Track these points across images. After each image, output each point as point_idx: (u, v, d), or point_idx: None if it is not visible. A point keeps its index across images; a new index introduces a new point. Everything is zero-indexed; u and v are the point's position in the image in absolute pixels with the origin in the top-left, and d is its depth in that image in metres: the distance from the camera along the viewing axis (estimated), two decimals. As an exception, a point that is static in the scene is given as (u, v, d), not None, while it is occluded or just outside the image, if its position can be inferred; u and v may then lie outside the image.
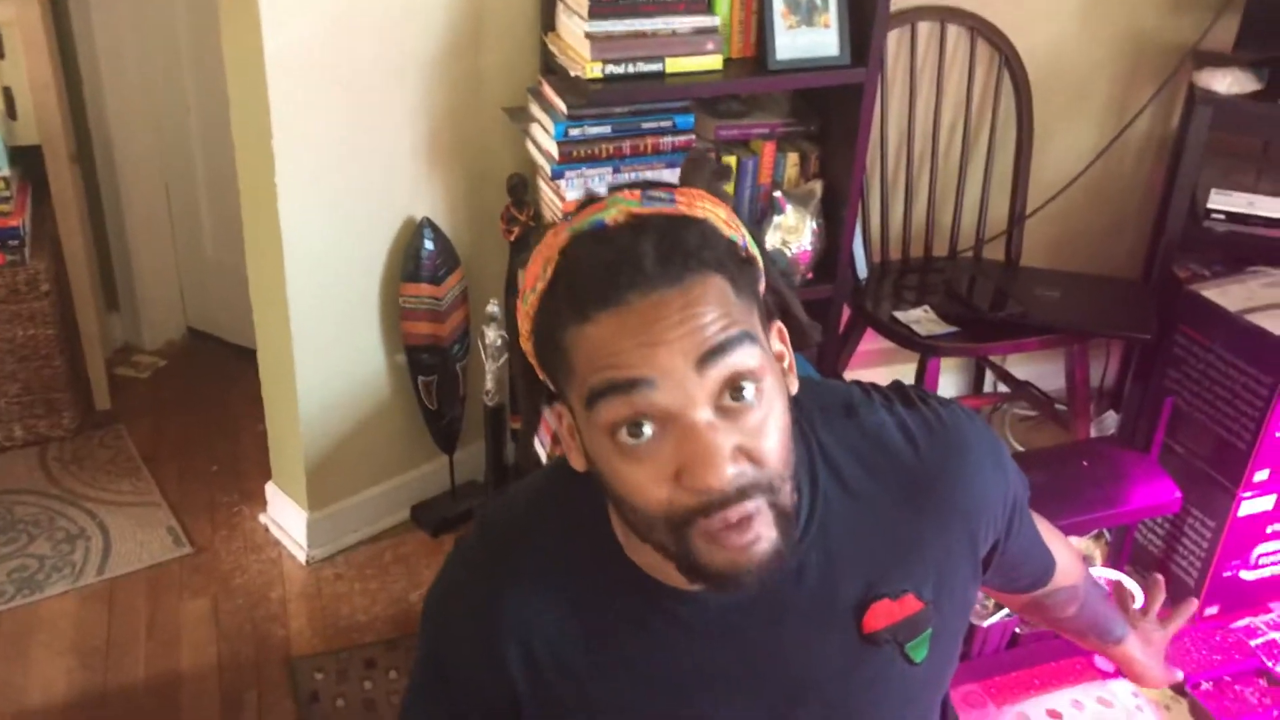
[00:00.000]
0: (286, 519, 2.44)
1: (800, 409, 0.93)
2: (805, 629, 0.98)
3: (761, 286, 0.89)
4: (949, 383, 2.96)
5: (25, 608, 2.24)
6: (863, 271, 2.50)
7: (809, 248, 2.32)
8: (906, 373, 2.60)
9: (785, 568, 0.89)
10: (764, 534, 0.84)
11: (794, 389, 0.90)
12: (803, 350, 0.97)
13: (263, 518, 2.50)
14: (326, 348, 2.27)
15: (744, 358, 0.82)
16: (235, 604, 2.27)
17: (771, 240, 2.30)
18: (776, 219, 2.28)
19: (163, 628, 2.20)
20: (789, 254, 2.30)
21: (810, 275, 2.36)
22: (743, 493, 0.82)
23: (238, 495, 2.59)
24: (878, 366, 2.78)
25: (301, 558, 2.39)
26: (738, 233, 0.88)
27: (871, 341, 2.65)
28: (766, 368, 0.84)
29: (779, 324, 0.91)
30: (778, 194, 2.27)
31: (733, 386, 0.82)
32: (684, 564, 0.86)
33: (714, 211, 0.87)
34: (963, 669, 2.10)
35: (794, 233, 2.30)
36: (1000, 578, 1.15)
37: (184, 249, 3.14)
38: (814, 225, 2.31)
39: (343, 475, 2.39)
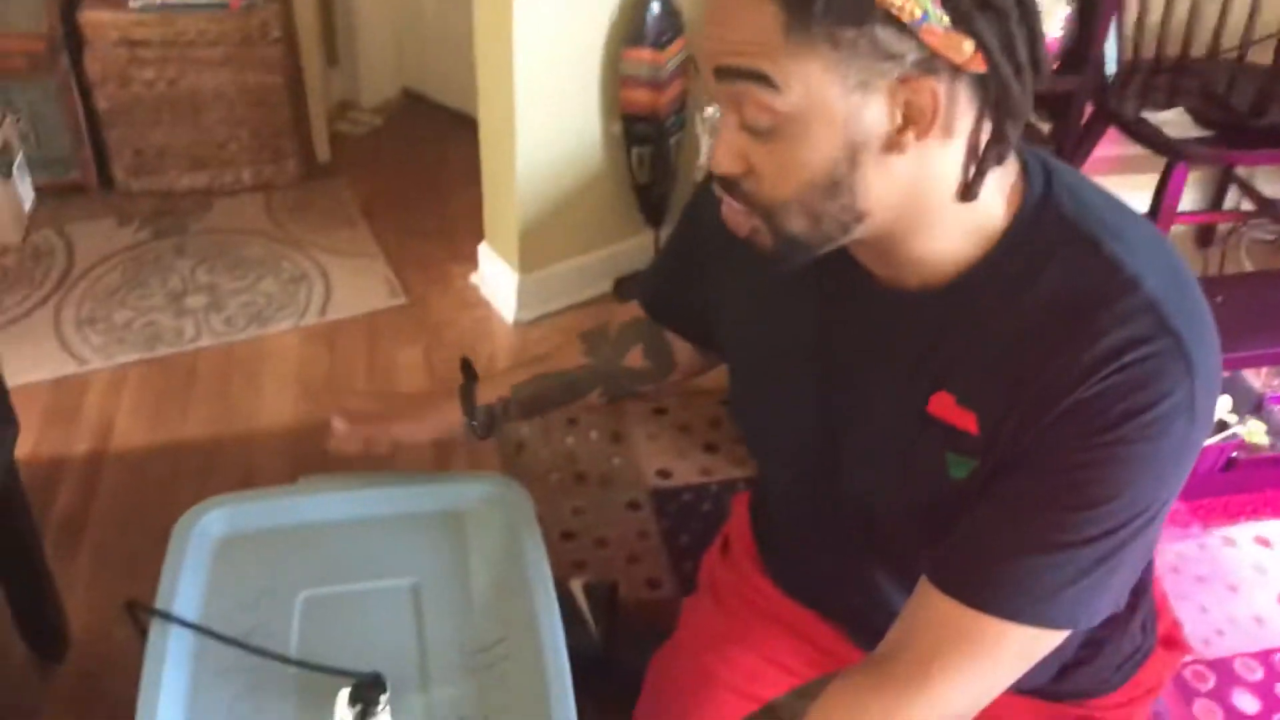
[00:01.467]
0: (497, 280, 2.50)
1: (1054, 209, 0.90)
2: (887, 359, 0.99)
3: (879, 32, 0.80)
4: (1187, 197, 2.77)
5: (255, 340, 2.38)
6: (1112, 67, 2.33)
7: (1057, 35, 2.16)
8: (1146, 185, 2.44)
9: (909, 297, 0.94)
10: (760, 234, 0.91)
11: (896, 161, 0.85)
12: (1008, 128, 0.85)
13: (473, 278, 2.57)
14: (547, 112, 2.26)
15: (748, 97, 0.83)
16: (447, 355, 2.36)
17: (1018, 24, 2.15)
18: None
19: (380, 370, 2.31)
20: (1036, 41, 2.16)
21: (1056, 66, 2.21)
22: (730, 189, 0.90)
23: (450, 255, 2.66)
24: (1114, 175, 2.62)
25: (509, 318, 2.45)
26: None
27: (1109, 147, 2.49)
28: (792, 115, 0.83)
29: (935, 84, 0.81)
30: (1034, -28, 2.11)
31: (738, 109, 0.85)
32: None
33: None
34: (1171, 488, 2.04)
35: (1044, 19, 2.14)
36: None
37: (404, 8, 3.16)
38: (1067, 11, 2.15)
39: (553, 242, 2.42)
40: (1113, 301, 0.87)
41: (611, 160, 2.40)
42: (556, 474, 2.07)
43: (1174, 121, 2.20)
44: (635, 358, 1.30)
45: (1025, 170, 0.93)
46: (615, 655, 1.61)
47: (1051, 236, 0.90)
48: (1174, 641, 1.30)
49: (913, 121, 0.83)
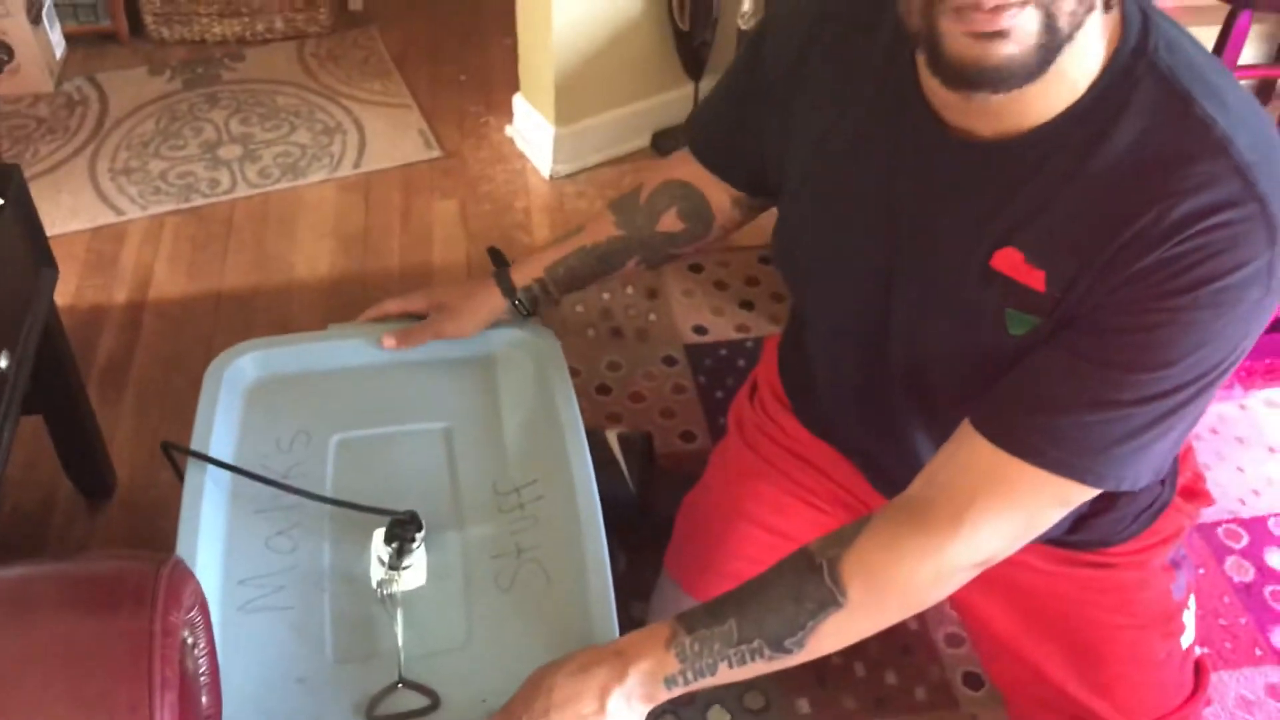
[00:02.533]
0: (532, 132, 2.46)
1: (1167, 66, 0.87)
2: (952, 211, 0.97)
3: None
4: (1251, 51, 2.65)
5: (290, 191, 2.36)
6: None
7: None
8: (1208, 38, 2.33)
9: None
10: (1017, 31, 0.81)
11: None
12: None
13: (509, 130, 2.53)
14: (583, -45, 2.19)
15: None
16: (482, 209, 2.34)
17: None
18: None
19: (415, 222, 2.30)
20: None
21: None
22: None
23: (485, 106, 2.61)
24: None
25: (545, 171, 2.42)
26: None
27: (1171, -4, 2.38)
28: None
29: None
30: None
31: None
32: (929, 47, 0.85)
33: None
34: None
35: None
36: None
37: None
38: None
39: (590, 94, 2.36)
40: (1201, 161, 0.85)
41: (652, 7, 2.32)
42: (592, 329, 2.07)
43: (1241, -33, 2.09)
44: (670, 221, 1.28)
45: (1124, 19, 0.89)
46: (650, 504, 1.63)
47: (1143, 89, 0.88)
48: (1195, 492, 1.30)
49: None
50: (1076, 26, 0.84)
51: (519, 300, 1.31)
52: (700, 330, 2.07)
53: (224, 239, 2.24)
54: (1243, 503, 1.82)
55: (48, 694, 0.68)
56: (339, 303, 2.08)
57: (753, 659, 0.99)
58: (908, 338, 1.07)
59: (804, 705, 1.52)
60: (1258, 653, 1.61)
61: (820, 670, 1.55)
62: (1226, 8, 2.14)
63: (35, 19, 2.53)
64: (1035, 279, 0.94)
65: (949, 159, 0.96)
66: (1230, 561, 1.73)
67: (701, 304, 2.12)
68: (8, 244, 1.28)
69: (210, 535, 1.14)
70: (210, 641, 0.84)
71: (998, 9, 0.80)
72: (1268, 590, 1.69)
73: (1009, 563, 1.03)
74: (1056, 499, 0.96)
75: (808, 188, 1.10)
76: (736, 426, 1.46)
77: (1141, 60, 0.88)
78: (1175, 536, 1.27)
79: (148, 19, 2.75)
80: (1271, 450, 1.90)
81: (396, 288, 2.15)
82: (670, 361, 2.01)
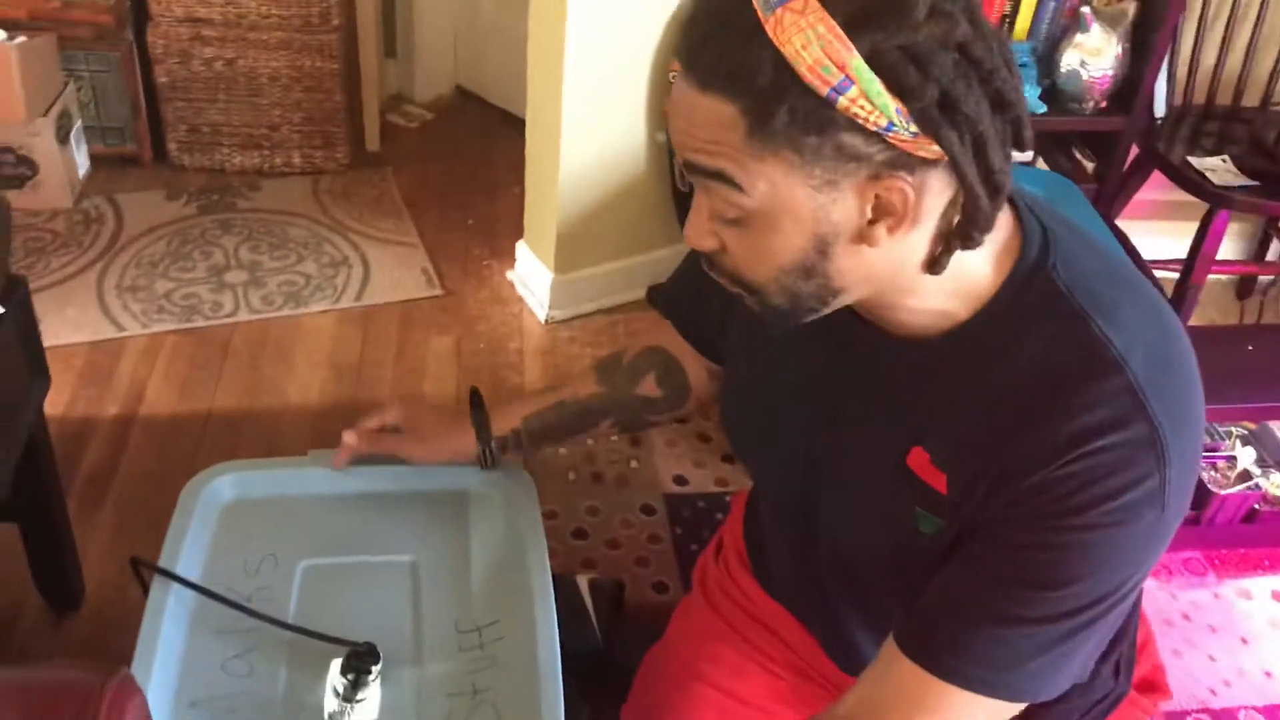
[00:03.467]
0: (532, 278, 2.52)
1: (1054, 274, 0.88)
2: (872, 405, 0.99)
3: (844, 138, 0.78)
4: (1229, 247, 2.74)
5: (291, 318, 2.42)
6: (1160, 110, 2.32)
7: (1109, 73, 2.16)
8: (1186, 231, 2.41)
9: (894, 349, 0.94)
10: (745, 300, 0.91)
11: (867, 249, 0.84)
12: (974, 231, 0.84)
13: (510, 274, 2.60)
14: (594, 116, 2.28)
15: (715, 190, 0.84)
16: (477, 347, 2.38)
17: (1068, 60, 2.15)
18: (1079, 36, 2.13)
19: (410, 356, 2.34)
20: (1084, 76, 2.15)
21: (1104, 104, 2.20)
22: (712, 267, 0.91)
23: (489, 250, 2.69)
24: (1156, 220, 2.61)
25: (541, 316, 2.48)
26: (825, 78, 0.75)
27: (1153, 191, 2.48)
28: (758, 210, 0.83)
29: (903, 182, 0.80)
30: (1085, 9, 2.12)
31: (707, 195, 0.86)
32: None
33: (808, 44, 0.75)
34: (1188, 535, 2.03)
35: (1095, 55, 2.14)
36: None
37: (462, 7, 3.20)
38: (1118, 50, 2.14)
39: (590, 245, 2.44)
40: (1093, 381, 0.85)
41: (654, 167, 2.42)
42: (574, 472, 2.09)
43: (1218, 168, 2.19)
44: (649, 386, 1.30)
45: (1023, 230, 0.90)
46: (616, 654, 1.62)
47: (1040, 307, 0.88)
48: (1153, 685, 1.28)
49: (883, 216, 0.82)
50: (821, 302, 0.89)
51: (490, 449, 1.30)
52: (681, 481, 2.09)
53: (220, 361, 2.28)
54: (1213, 693, 1.80)
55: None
56: (327, 429, 2.10)
57: None
58: (833, 524, 1.08)
59: None
60: None
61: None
62: (1205, 206, 2.23)
63: (63, 139, 2.63)
64: (939, 481, 0.94)
65: (869, 354, 0.97)
66: (1199, 753, 1.71)
67: (684, 455, 2.15)
68: (3, 352, 1.31)
69: (168, 653, 1.14)
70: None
71: (722, 280, 0.91)
72: (1236, 784, 1.67)
73: None
74: (986, 715, 0.93)
75: (743, 359, 1.13)
76: (700, 583, 1.46)
77: (1039, 276, 0.89)
78: None
79: (171, 145, 2.85)
80: (1244, 641, 1.90)
81: (385, 420, 2.17)
82: (649, 510, 2.02)
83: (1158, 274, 2.21)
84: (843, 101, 0.76)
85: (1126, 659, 1.22)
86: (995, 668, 0.91)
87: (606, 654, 1.62)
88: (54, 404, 2.08)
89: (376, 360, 2.32)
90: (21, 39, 2.48)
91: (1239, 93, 2.42)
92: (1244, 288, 2.74)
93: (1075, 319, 0.87)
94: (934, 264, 0.86)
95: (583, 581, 1.73)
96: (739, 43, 0.77)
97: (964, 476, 0.91)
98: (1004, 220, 0.90)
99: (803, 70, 0.76)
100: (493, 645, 1.20)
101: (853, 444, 1.02)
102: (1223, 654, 1.87)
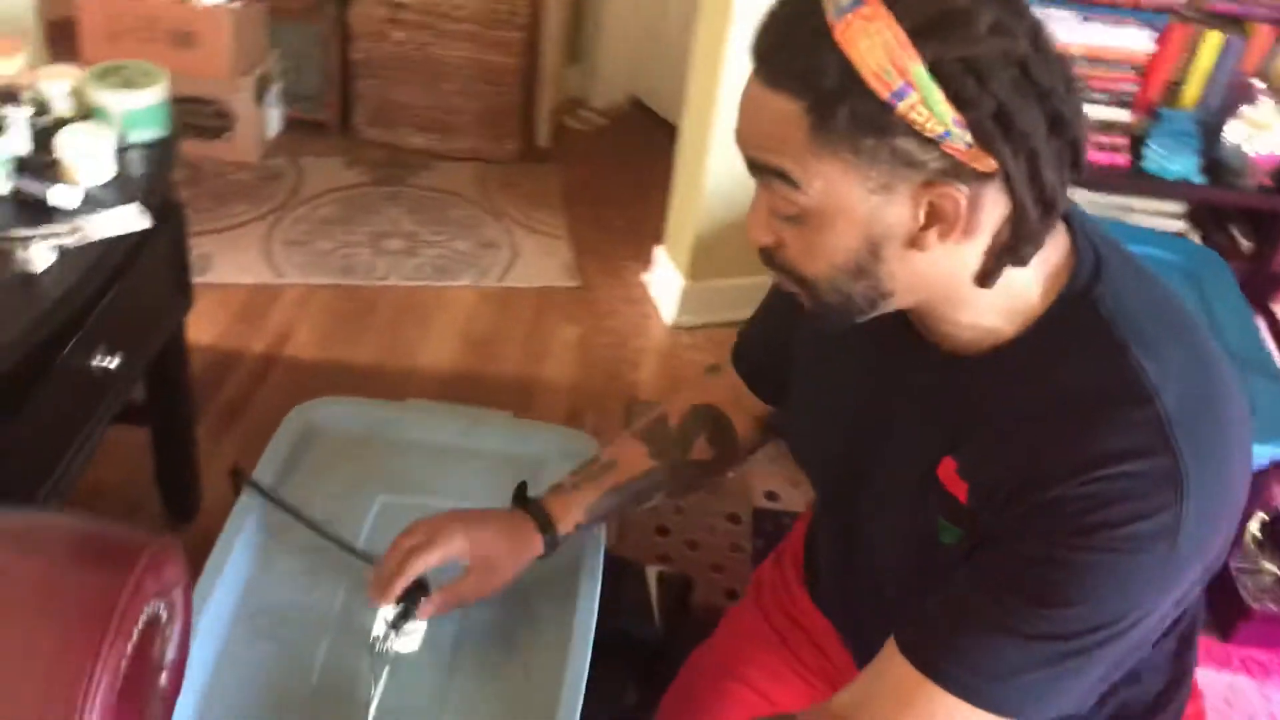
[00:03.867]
0: (665, 283, 2.59)
1: (1104, 301, 0.89)
2: (914, 414, 1.01)
3: (900, 142, 0.80)
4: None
5: (436, 289, 2.55)
6: (1332, 196, 2.23)
7: (1276, 151, 2.09)
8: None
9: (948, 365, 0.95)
10: (801, 296, 0.94)
11: (918, 254, 0.86)
12: (1023, 246, 0.86)
13: (645, 276, 2.68)
14: (744, 131, 2.33)
15: (774, 187, 0.86)
16: (602, 340, 2.47)
17: (1233, 133, 2.09)
18: (1246, 109, 2.07)
19: (538, 339, 2.44)
20: (1248, 152, 2.09)
21: (1269, 182, 2.13)
22: (770, 262, 0.93)
23: (631, 252, 2.77)
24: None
25: (668, 320, 2.55)
26: (887, 82, 0.79)
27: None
28: (814, 208, 0.85)
29: (956, 191, 0.82)
30: (1257, 81, 2.05)
31: (768, 191, 0.88)
32: None
33: (873, 49, 0.78)
34: (1258, 632, 1.93)
35: (1261, 129, 2.07)
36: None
37: (649, 21, 3.30)
38: (1288, 128, 2.07)
39: (724, 257, 2.49)
40: (1122, 407, 0.86)
41: (800, 192, 2.45)
42: (670, 472, 2.14)
43: (1382, 262, 2.09)
44: (701, 449, 1.28)
45: (1076, 254, 0.92)
46: (675, 648, 1.66)
47: (1081, 333, 0.90)
48: None
49: (936, 222, 0.85)
50: (871, 305, 0.92)
51: (554, 547, 1.23)
52: (772, 496, 2.12)
53: (365, 318, 2.42)
54: (1288, 799, 1.72)
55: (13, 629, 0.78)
56: (448, 392, 2.22)
57: None
58: (868, 535, 1.10)
59: None
60: None
61: None
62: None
63: (260, 99, 2.84)
64: (960, 491, 0.95)
65: (917, 366, 0.99)
66: None
67: (780, 471, 2.17)
68: (153, 265, 1.46)
69: (241, 557, 1.24)
70: (186, 629, 0.93)
71: (779, 279, 0.94)
72: None
73: None
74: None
75: (806, 375, 1.15)
76: (755, 588, 1.49)
77: (1085, 303, 0.90)
78: None
79: (357, 118, 3.04)
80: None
81: (503, 392, 2.27)
82: (735, 519, 2.06)
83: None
84: (902, 106, 0.79)
85: None
86: (983, 675, 0.92)
87: (665, 646, 1.66)
88: (207, 334, 2.27)
89: (506, 338, 2.43)
90: (237, 4, 2.69)
91: None
92: None
93: (1113, 346, 0.88)
94: (985, 278, 0.88)
95: (651, 572, 1.77)
96: (807, 44, 0.81)
97: (985, 486, 0.93)
98: (1058, 242, 0.92)
99: (866, 74, 0.79)
100: (537, 604, 1.26)
101: (892, 453, 1.04)
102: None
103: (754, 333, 1.28)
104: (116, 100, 1.45)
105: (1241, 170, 2.11)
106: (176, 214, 1.50)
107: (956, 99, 0.79)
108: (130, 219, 1.34)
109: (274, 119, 2.97)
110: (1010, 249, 0.87)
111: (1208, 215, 2.33)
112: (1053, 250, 0.91)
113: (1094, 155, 2.10)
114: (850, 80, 0.80)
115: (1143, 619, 0.90)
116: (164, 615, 0.89)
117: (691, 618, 1.74)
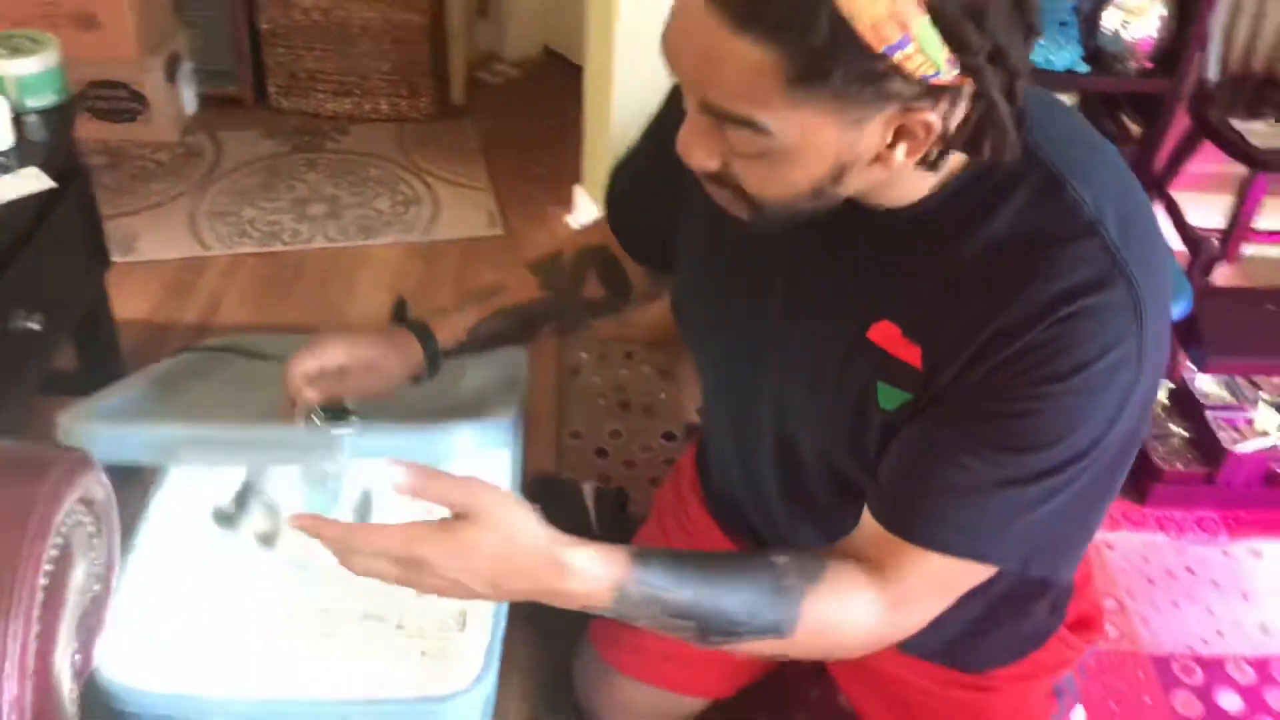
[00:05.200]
0: (586, 220, 2.64)
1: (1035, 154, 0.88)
2: (833, 277, 0.99)
3: (885, 85, 0.77)
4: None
5: (361, 248, 2.59)
6: (1213, 73, 2.31)
7: (1152, 35, 2.17)
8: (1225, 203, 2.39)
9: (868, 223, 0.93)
10: (732, 209, 0.90)
11: (880, 168, 0.85)
12: (988, 147, 0.83)
13: (568, 218, 2.73)
14: (646, 61, 2.36)
15: (733, 130, 0.81)
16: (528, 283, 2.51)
17: (1110, 19, 2.17)
18: (1119, -5, 2.14)
19: (466, 288, 2.49)
20: (1125, 37, 2.17)
21: (1148, 65, 2.21)
22: (712, 181, 0.89)
23: (553, 197, 2.82)
24: (1207, 193, 2.57)
25: (593, 258, 2.60)
26: (884, 36, 0.74)
27: (1204, 163, 2.45)
28: (781, 148, 0.81)
29: (929, 113, 0.80)
30: (1127, -32, 2.13)
31: (720, 131, 0.84)
32: None
33: (877, 1, 0.73)
34: (1204, 493, 2.04)
35: (1136, 14, 2.15)
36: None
37: (552, -31, 3.34)
38: (1162, 11, 2.15)
39: (643, 190, 2.54)
40: (1070, 243, 0.86)
41: (708, 120, 2.51)
42: (603, 399, 2.21)
43: (1261, 131, 2.18)
44: (592, 287, 1.29)
45: None
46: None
47: (1013, 172, 0.88)
48: (1087, 624, 1.28)
49: (904, 140, 0.83)
50: (818, 210, 0.88)
51: (436, 361, 1.27)
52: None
53: (292, 282, 2.46)
54: (1205, 642, 1.82)
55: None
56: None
57: (677, 633, 0.96)
58: (779, 414, 1.10)
59: None
60: (1188, 783, 1.62)
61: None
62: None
63: (171, 78, 2.86)
64: (911, 354, 0.94)
65: (828, 229, 0.94)
66: (1180, 696, 1.73)
67: (710, 390, 2.24)
68: (63, 228, 1.50)
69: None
70: (111, 535, 0.99)
71: (712, 192, 0.91)
72: (1212, 728, 1.70)
73: (896, 680, 1.06)
74: (959, 576, 0.98)
75: (696, 251, 1.14)
76: (656, 509, 1.54)
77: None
78: (1059, 667, 1.27)
79: (271, 89, 3.06)
80: (1245, 597, 1.91)
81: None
82: (669, 437, 2.13)
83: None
84: (897, 57, 0.75)
85: (1062, 597, 1.23)
86: (968, 532, 0.94)
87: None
88: (138, 309, 2.30)
89: (433, 291, 2.48)
90: (137, -17, 2.70)
91: (1297, 61, 2.39)
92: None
93: (1051, 180, 0.88)
94: (934, 164, 0.86)
95: (588, 487, 1.84)
96: None
97: (942, 348, 0.92)
98: None
99: (862, 28, 0.73)
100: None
101: (808, 325, 1.02)
102: (1222, 608, 1.89)
103: (629, 189, 1.24)
104: (6, 67, 1.48)
105: (1122, 55, 2.19)
106: (83, 177, 1.54)
107: (954, 43, 0.75)
108: (31, 181, 1.38)
109: (189, 97, 2.98)
110: (970, 143, 0.84)
111: (1098, 103, 2.41)
112: (933, 171, 0.89)
113: (981, 53, 2.17)
114: (843, 35, 0.74)
115: (1112, 445, 0.92)
116: (87, 522, 0.95)
117: (630, 528, 1.81)
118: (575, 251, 1.31)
